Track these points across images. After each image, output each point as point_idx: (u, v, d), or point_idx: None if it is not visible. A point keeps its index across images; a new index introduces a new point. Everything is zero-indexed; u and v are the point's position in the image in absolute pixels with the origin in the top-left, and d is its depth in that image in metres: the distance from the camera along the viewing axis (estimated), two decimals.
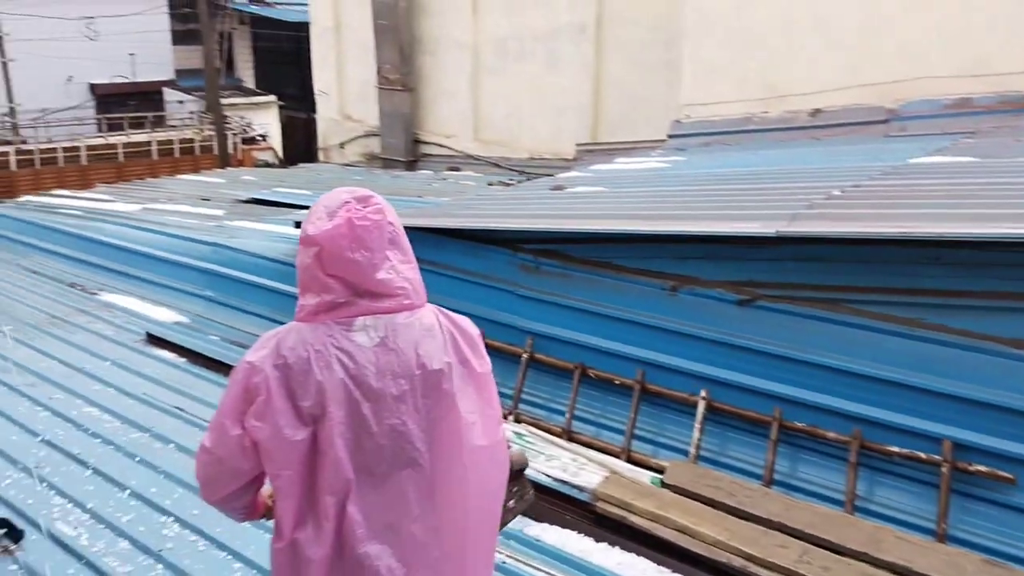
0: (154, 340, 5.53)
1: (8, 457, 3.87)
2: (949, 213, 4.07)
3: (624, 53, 10.13)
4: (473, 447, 1.69)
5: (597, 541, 3.33)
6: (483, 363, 1.77)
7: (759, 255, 4.25)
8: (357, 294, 1.64)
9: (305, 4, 16.48)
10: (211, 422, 1.70)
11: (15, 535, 3.16)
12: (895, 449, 3.59)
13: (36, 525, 3.29)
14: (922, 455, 3.52)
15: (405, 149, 12.98)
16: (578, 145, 9.71)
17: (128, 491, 3.57)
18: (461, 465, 1.67)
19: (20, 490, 3.58)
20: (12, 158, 17.27)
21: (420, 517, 1.65)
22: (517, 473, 2.11)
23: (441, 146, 12.79)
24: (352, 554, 1.61)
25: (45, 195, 10.46)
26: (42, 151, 17.76)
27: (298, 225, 6.15)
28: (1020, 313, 3.55)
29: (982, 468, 3.37)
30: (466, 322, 1.80)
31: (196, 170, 15.62)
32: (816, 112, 8.45)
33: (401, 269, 1.70)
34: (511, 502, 2.09)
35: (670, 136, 9.14)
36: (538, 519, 3.49)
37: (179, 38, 25.78)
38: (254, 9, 26.19)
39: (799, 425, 3.86)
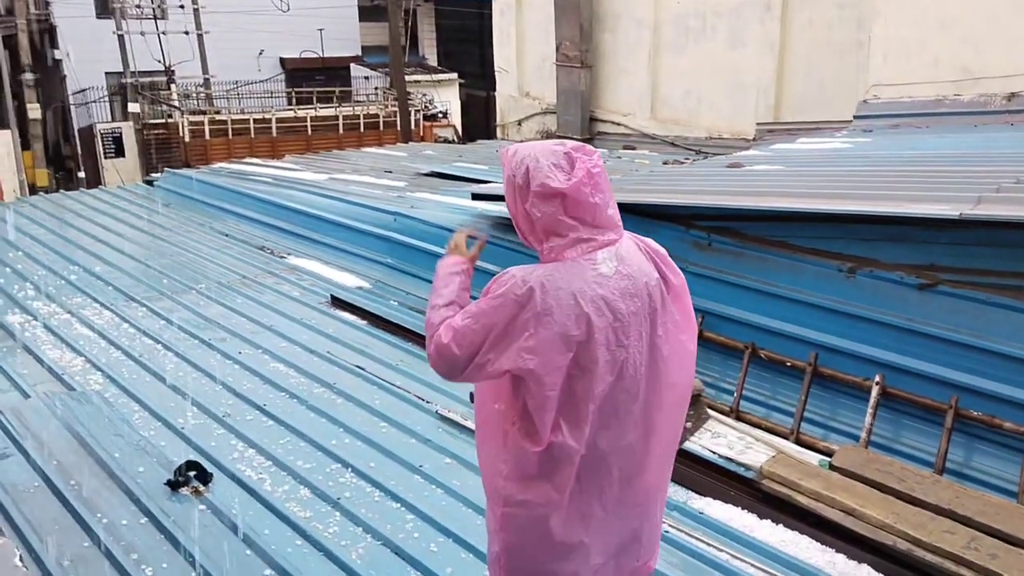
0: (337, 303, 5.74)
1: (199, 405, 4.12)
2: None
3: (811, 31, 9.79)
4: (668, 383, 1.98)
5: (761, 518, 3.34)
6: (677, 276, 2.03)
7: (942, 239, 4.13)
8: (595, 231, 1.92)
9: None
10: (462, 327, 1.90)
11: (204, 477, 3.36)
12: None
13: (223, 469, 3.49)
14: None
15: (581, 127, 13.08)
16: (758, 125, 9.53)
17: (310, 442, 3.75)
18: (659, 395, 1.97)
19: (209, 436, 3.79)
20: (206, 127, 18.16)
21: (633, 431, 1.95)
22: (695, 398, 2.34)
23: (617, 124, 12.82)
24: (596, 452, 1.91)
25: (237, 162, 10.89)
26: (234, 122, 18.59)
27: (475, 197, 6.50)
28: None
29: None
30: (652, 241, 2.05)
31: (379, 144, 16.00)
32: (1012, 96, 7.87)
33: (613, 204, 1.97)
34: (688, 424, 2.32)
35: (856, 117, 8.78)
36: (702, 493, 3.53)
37: (365, 15, 26.42)
38: None
39: (975, 414, 3.76)
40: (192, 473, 3.35)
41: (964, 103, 8.23)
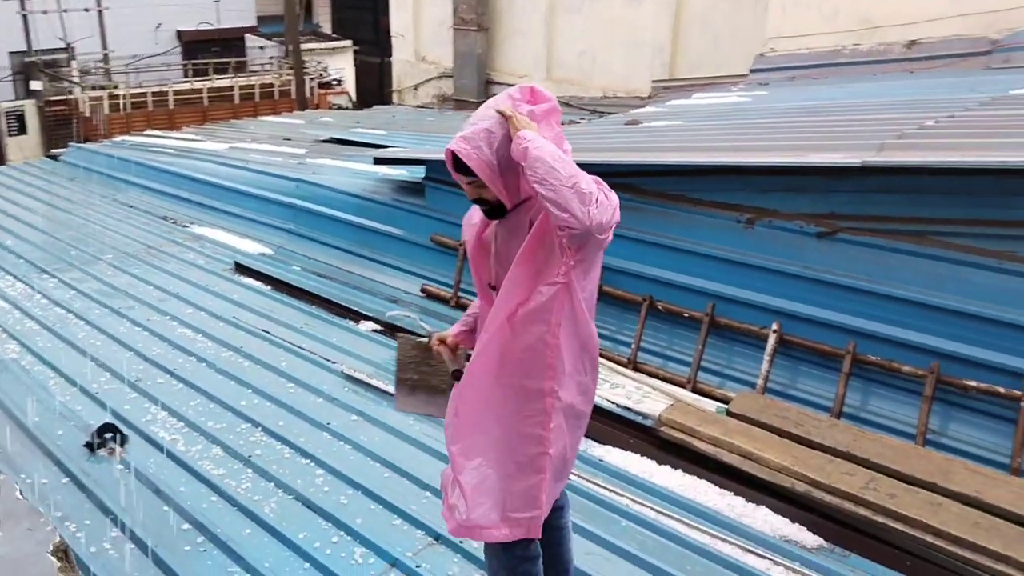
0: (241, 269, 5.84)
1: (112, 371, 4.18)
2: None
3: None
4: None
5: (660, 464, 3.38)
6: None
7: (843, 187, 4.08)
8: None
9: None
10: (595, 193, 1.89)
11: (120, 439, 3.43)
12: (973, 383, 3.45)
13: (138, 431, 3.56)
14: (1001, 390, 3.37)
15: (477, 90, 12.96)
16: (654, 82, 9.48)
17: (219, 403, 3.83)
18: None
19: (123, 400, 3.86)
20: (105, 102, 18.07)
21: None
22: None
23: (513, 86, 12.63)
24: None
25: (139, 135, 10.91)
26: (132, 96, 18.54)
27: (377, 161, 6.45)
28: None
29: None
30: None
31: (275, 113, 15.94)
32: (912, 44, 8.00)
33: None
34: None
35: (752, 71, 8.80)
36: (602, 442, 3.56)
37: None
38: None
39: (873, 358, 3.74)
40: (109, 435, 3.45)
41: (863, 52, 8.32)
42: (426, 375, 2.25)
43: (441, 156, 7.03)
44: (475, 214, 2.19)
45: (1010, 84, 6.08)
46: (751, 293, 4.19)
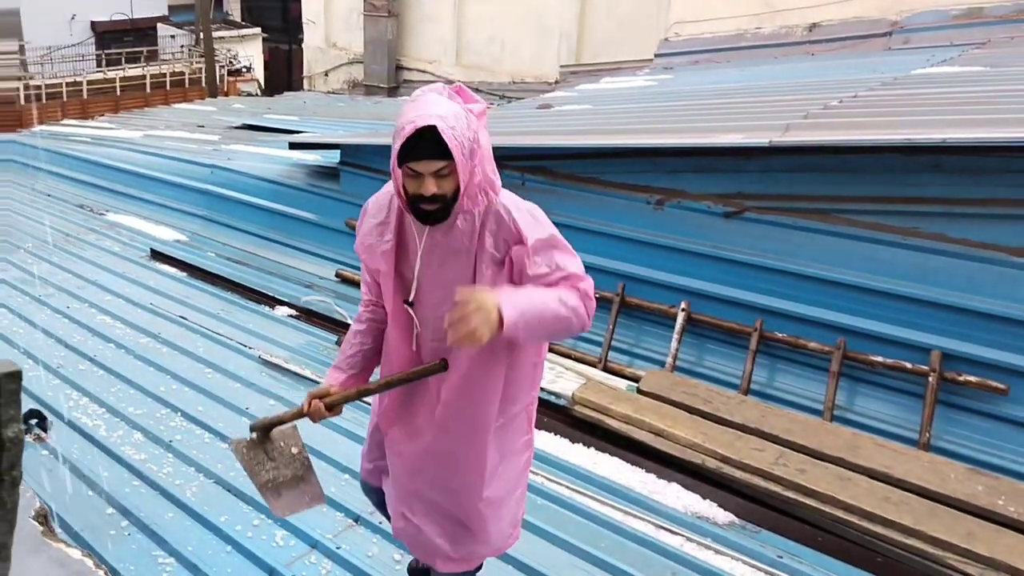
0: (157, 256, 5.81)
1: (33, 357, 4.11)
2: (951, 119, 3.87)
3: None
4: None
5: (573, 442, 3.32)
6: None
7: (751, 167, 4.07)
8: None
9: None
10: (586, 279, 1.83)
11: (43, 425, 3.42)
12: (879, 359, 3.45)
13: (60, 417, 3.53)
14: (908, 365, 3.38)
15: (387, 76, 12.80)
16: (562, 67, 9.45)
17: (139, 389, 3.81)
18: None
19: (45, 387, 3.81)
20: (20, 93, 18.00)
21: None
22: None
23: (423, 72, 12.59)
24: None
25: (55, 124, 10.86)
26: (48, 86, 18.46)
27: (293, 146, 6.33)
28: (1022, 221, 3.39)
29: (972, 378, 3.24)
30: None
31: (187, 101, 15.91)
32: (813, 27, 8.12)
33: None
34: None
35: (657, 56, 8.82)
36: None
37: None
38: None
39: (780, 335, 3.73)
40: (33, 421, 3.42)
41: (765, 36, 8.42)
42: (278, 469, 1.99)
43: (355, 140, 6.74)
44: (377, 215, 1.88)
45: (911, 64, 6.21)
46: (661, 273, 4.15)
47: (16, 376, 1.49)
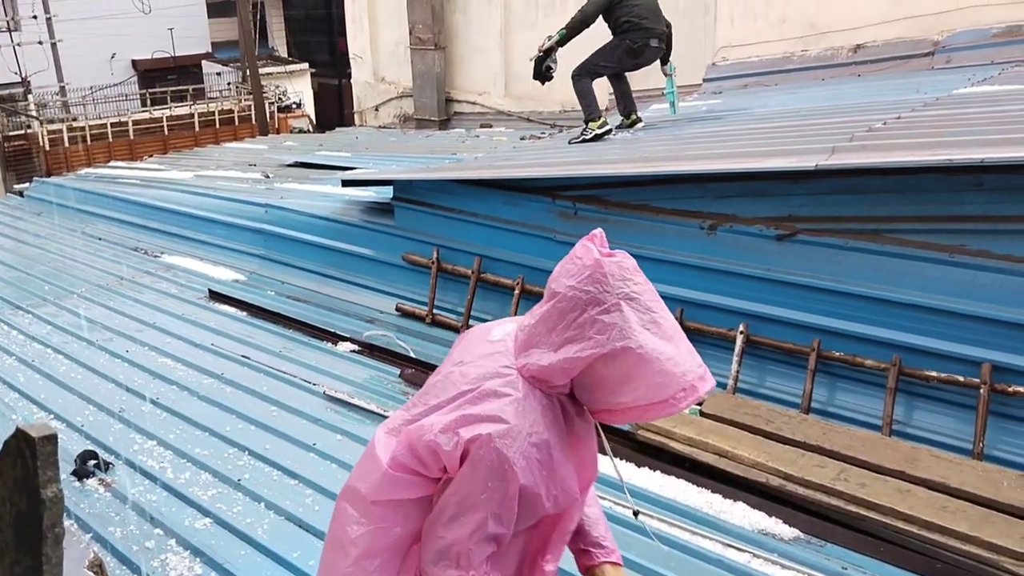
0: (216, 296, 5.86)
1: (94, 403, 4.22)
2: (992, 139, 4.00)
3: None
4: None
5: (639, 466, 3.44)
6: None
7: (799, 190, 4.20)
8: None
9: None
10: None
11: (103, 466, 3.50)
12: (933, 374, 3.59)
13: (125, 460, 3.60)
14: (960, 378, 3.52)
15: (437, 108, 13.02)
16: (611, 94, 9.65)
17: (205, 430, 3.88)
18: None
19: (108, 432, 3.89)
20: (65, 135, 18.05)
21: None
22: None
23: (473, 104, 12.80)
24: None
25: (103, 167, 10.83)
26: (92, 127, 18.54)
27: (345, 184, 6.55)
28: None
29: (1021, 389, 3.37)
30: None
31: (236, 139, 15.92)
32: (858, 48, 8.25)
33: None
34: None
35: (705, 80, 9.02)
36: None
37: (214, 11, 26.13)
38: None
39: (837, 354, 3.87)
40: (92, 463, 3.51)
41: (811, 58, 8.57)
42: None
43: (407, 175, 7.01)
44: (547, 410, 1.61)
45: (953, 84, 6.32)
46: (718, 296, 4.29)
47: (52, 439, 1.67)
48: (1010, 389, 3.40)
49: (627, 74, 6.90)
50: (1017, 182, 3.62)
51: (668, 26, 6.69)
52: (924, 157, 3.83)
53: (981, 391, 3.43)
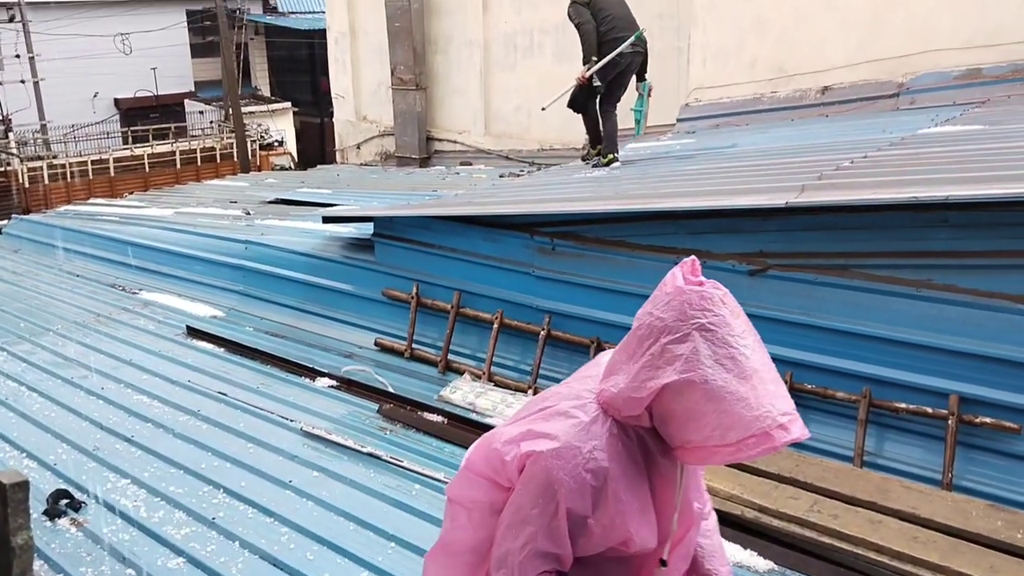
0: (194, 333, 5.83)
1: (68, 441, 4.19)
2: (955, 177, 4.13)
3: None
4: None
5: None
6: None
7: (770, 227, 4.30)
8: None
9: (317, 12, 16.78)
10: None
11: (74, 505, 3.47)
12: (903, 405, 3.66)
13: (98, 500, 3.57)
14: (929, 410, 3.59)
15: (418, 147, 13.20)
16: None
17: (180, 467, 3.86)
18: None
19: (82, 470, 3.87)
20: (45, 172, 18.17)
21: None
22: None
23: (454, 142, 12.99)
24: None
25: (82, 204, 10.82)
26: (72, 164, 18.65)
27: (327, 220, 6.60)
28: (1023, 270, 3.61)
29: (987, 420, 3.45)
30: None
31: (218, 176, 16.03)
32: (826, 89, 8.50)
33: None
34: None
35: (679, 120, 9.23)
36: None
37: (197, 51, 26.36)
38: (269, 19, 26.61)
39: (809, 387, 3.94)
40: (65, 502, 3.48)
41: (781, 99, 8.81)
42: None
43: (388, 212, 7.05)
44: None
45: (917, 124, 6.50)
46: None
47: (23, 486, 1.69)
48: (976, 420, 3.47)
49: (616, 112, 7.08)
50: (981, 218, 3.74)
51: (644, 43, 6.97)
52: (891, 195, 3.95)
53: (949, 422, 3.50)
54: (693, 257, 1.62)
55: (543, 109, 7.27)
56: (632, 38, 6.81)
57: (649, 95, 7.20)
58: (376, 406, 4.53)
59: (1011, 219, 3.67)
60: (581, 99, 7.08)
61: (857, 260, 4.03)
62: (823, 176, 4.70)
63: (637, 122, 7.31)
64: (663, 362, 1.47)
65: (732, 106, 8.92)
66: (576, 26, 6.90)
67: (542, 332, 4.85)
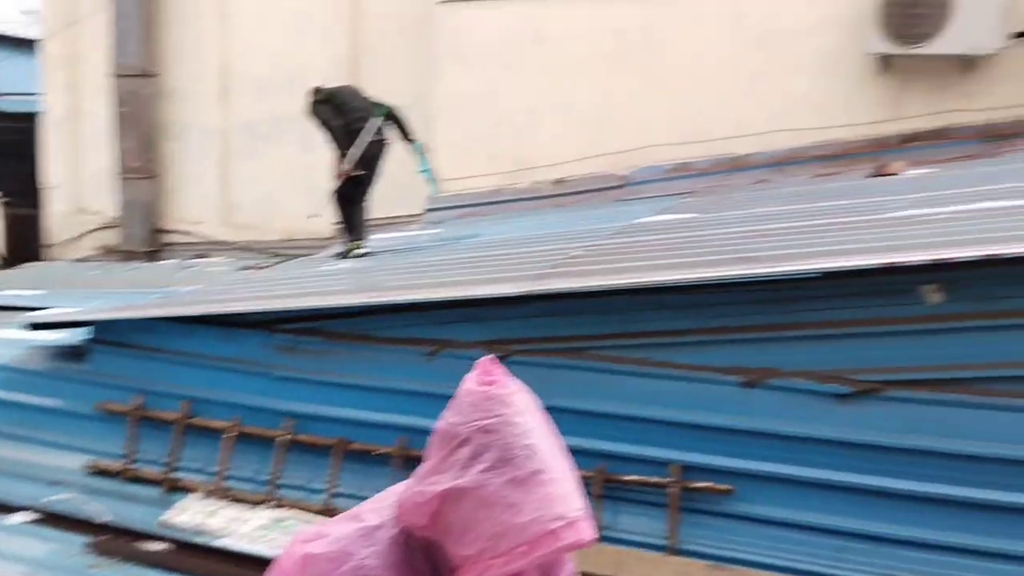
0: None
1: None
2: (667, 263, 4.59)
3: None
4: None
5: None
6: None
7: (511, 314, 4.49)
8: None
9: (32, 95, 15.43)
10: None
11: None
12: (632, 477, 3.89)
13: None
14: (652, 479, 3.85)
15: (147, 239, 12.35)
16: (334, 224, 9.84)
17: None
18: None
19: None
20: None
21: None
22: None
23: (187, 233, 12.32)
24: None
25: None
26: None
27: (35, 327, 5.89)
28: (730, 344, 4.04)
29: (701, 484, 3.75)
30: None
31: None
32: (559, 182, 9.21)
33: None
34: None
35: (428, 210, 9.50)
36: None
37: None
38: None
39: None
40: None
41: (520, 191, 9.46)
42: None
43: (109, 315, 6.48)
44: None
45: (638, 213, 7.20)
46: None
47: None
48: (693, 485, 3.77)
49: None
50: (689, 300, 4.17)
51: (393, 116, 7.32)
52: (612, 281, 4.30)
53: (670, 489, 3.77)
54: (492, 356, 1.57)
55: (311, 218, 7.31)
56: (373, 129, 7.06)
57: (424, 153, 7.55)
58: (83, 539, 4.13)
59: (714, 300, 4.13)
60: (347, 192, 7.24)
61: (589, 343, 4.31)
62: (556, 264, 5.02)
63: (431, 181, 7.62)
64: (445, 467, 1.42)
65: (476, 197, 9.38)
66: (320, 126, 7.13)
67: (283, 437, 4.61)
